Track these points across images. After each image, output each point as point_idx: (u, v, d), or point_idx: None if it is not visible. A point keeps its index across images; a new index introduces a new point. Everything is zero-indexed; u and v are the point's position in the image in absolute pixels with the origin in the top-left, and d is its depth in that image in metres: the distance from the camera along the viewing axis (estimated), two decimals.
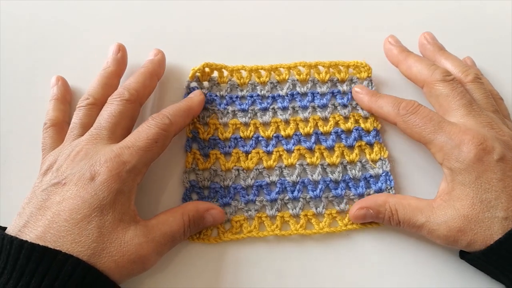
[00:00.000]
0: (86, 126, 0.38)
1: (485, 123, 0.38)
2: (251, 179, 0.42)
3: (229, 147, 0.43)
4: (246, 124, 0.44)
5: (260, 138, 0.44)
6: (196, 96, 0.42)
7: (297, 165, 0.43)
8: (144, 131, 0.36)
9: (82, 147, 0.36)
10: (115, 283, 0.33)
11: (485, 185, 0.36)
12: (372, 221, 0.41)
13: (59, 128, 0.40)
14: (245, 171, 0.42)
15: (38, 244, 0.31)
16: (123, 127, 0.38)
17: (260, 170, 0.43)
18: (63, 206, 0.32)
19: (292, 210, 0.41)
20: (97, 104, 0.40)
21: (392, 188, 0.42)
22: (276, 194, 0.42)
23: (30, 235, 0.32)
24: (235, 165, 0.43)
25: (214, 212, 0.39)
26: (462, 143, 0.37)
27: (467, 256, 0.38)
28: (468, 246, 0.36)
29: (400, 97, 0.42)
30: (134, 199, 0.36)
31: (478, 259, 0.37)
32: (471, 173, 0.36)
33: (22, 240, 0.31)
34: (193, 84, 0.45)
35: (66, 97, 0.43)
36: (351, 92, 0.46)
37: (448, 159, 0.37)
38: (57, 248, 0.31)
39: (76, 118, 0.39)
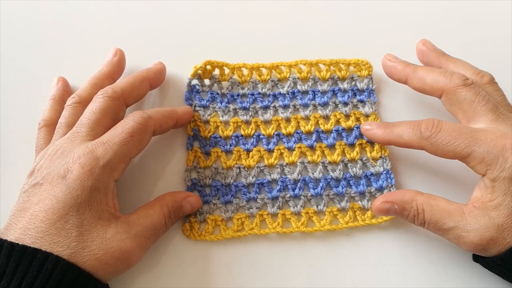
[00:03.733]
0: (71, 125, 0.38)
1: None
2: (252, 177, 0.42)
3: (230, 145, 0.43)
4: (247, 122, 0.44)
5: (261, 136, 0.44)
6: (184, 108, 0.42)
7: (298, 163, 0.43)
8: (120, 126, 0.36)
9: (61, 146, 0.35)
10: (100, 280, 0.32)
11: None
12: (375, 218, 0.41)
13: (52, 129, 0.40)
14: (246, 169, 0.43)
15: (18, 244, 0.31)
16: (104, 125, 0.37)
17: (261, 168, 0.43)
18: (40, 207, 0.32)
19: (293, 208, 0.41)
20: (83, 103, 0.39)
21: (393, 186, 0.42)
22: (277, 192, 0.42)
23: (10, 237, 0.32)
24: (236, 163, 0.43)
25: (191, 199, 0.39)
26: (504, 150, 0.34)
27: (482, 259, 0.37)
28: (496, 254, 0.35)
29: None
30: (112, 195, 0.35)
31: (494, 263, 0.35)
32: None
33: (2, 239, 0.31)
34: (194, 81, 0.45)
35: (64, 98, 0.42)
36: (352, 90, 0.46)
37: (492, 169, 0.34)
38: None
39: (62, 117, 0.39)
